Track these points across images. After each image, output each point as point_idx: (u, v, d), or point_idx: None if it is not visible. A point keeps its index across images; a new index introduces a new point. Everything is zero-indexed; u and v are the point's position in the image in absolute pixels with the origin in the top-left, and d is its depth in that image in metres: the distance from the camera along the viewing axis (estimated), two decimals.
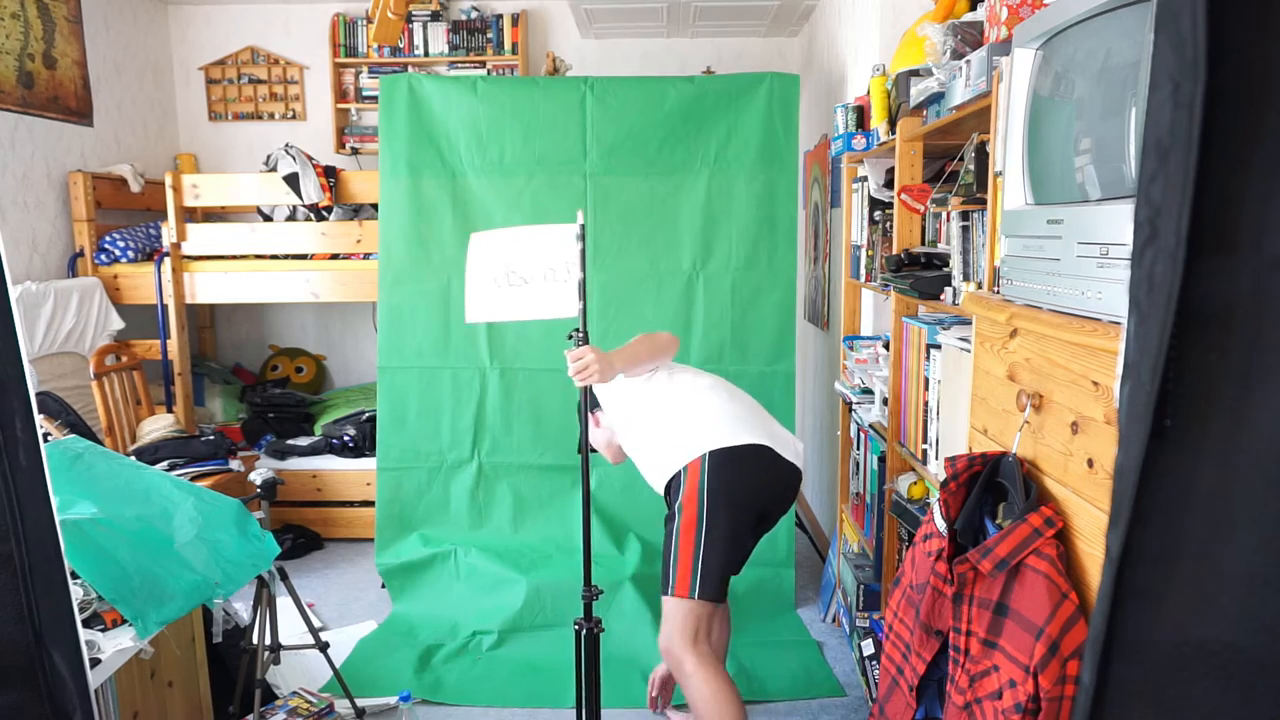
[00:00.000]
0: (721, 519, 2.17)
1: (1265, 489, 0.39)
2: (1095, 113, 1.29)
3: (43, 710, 0.63)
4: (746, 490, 2.22)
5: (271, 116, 5.16)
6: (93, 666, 1.69)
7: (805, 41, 4.95)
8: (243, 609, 2.77)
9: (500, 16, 5.02)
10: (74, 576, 1.77)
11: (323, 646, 2.55)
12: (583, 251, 2.23)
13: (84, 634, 1.34)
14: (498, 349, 3.60)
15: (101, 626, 1.81)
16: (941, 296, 2.24)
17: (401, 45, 5.04)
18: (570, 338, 2.23)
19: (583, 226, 2.22)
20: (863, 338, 3.19)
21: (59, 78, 4.04)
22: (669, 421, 2.31)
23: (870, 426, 2.90)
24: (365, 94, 5.11)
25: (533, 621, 3.21)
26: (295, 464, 4.22)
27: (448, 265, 3.58)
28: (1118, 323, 1.19)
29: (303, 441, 4.35)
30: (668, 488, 2.31)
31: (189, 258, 4.12)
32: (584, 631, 2.27)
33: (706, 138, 3.54)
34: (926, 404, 2.32)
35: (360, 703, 2.68)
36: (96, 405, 3.63)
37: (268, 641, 2.44)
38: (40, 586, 0.62)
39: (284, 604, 2.61)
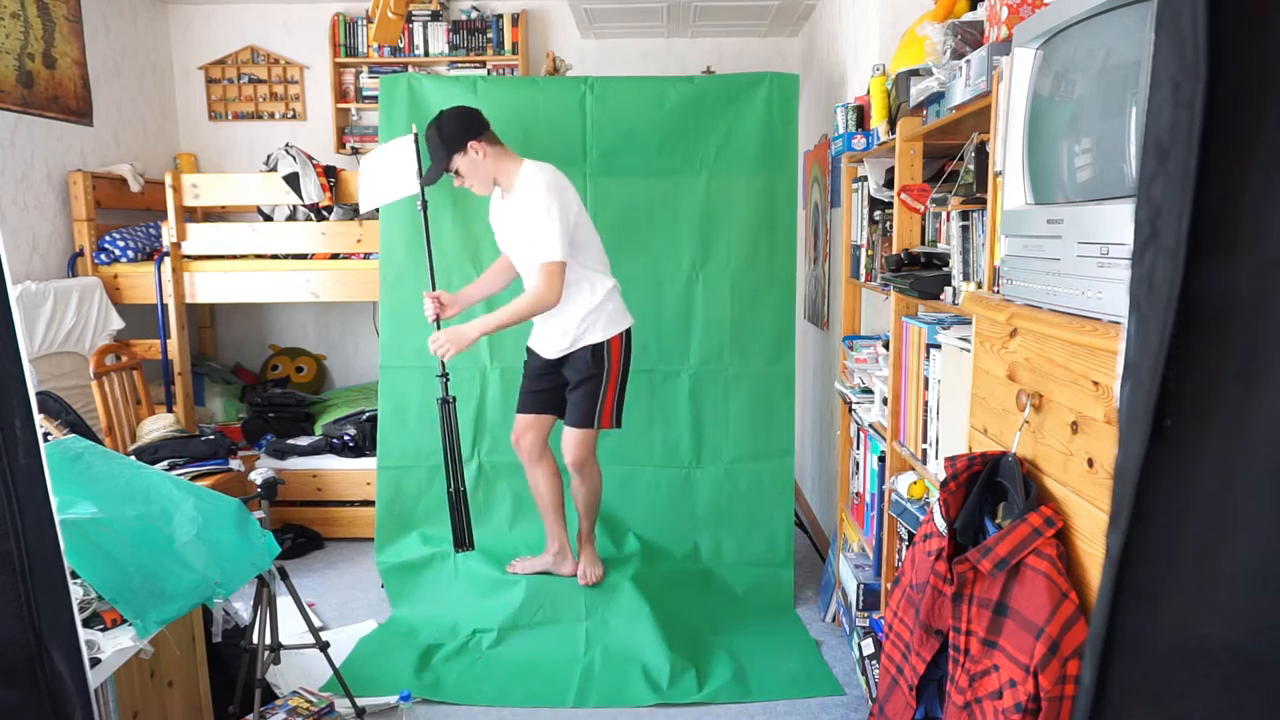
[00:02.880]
0: (626, 373, 3.10)
1: (1265, 489, 0.39)
2: (1095, 113, 1.29)
3: (43, 710, 0.63)
4: None
5: (271, 116, 5.16)
6: (93, 666, 1.69)
7: (805, 41, 4.95)
8: (243, 609, 2.77)
9: (500, 16, 5.02)
10: (74, 576, 1.77)
11: (323, 646, 2.55)
12: (418, 154, 3.10)
13: (84, 634, 1.34)
14: (498, 349, 3.60)
15: (101, 626, 1.80)
16: (941, 296, 2.24)
17: (401, 45, 5.04)
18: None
19: (416, 136, 3.09)
20: (862, 337, 3.19)
21: (59, 77, 4.04)
22: (595, 305, 3.01)
23: (870, 426, 2.90)
24: (365, 94, 5.11)
25: (532, 620, 3.21)
26: (295, 464, 4.22)
27: (448, 265, 3.58)
28: (1118, 322, 1.19)
29: (303, 441, 4.34)
30: (573, 354, 3.03)
31: (189, 257, 4.12)
32: (448, 405, 3.12)
33: (706, 138, 3.54)
34: (926, 404, 2.32)
35: (360, 702, 2.68)
36: (96, 405, 3.63)
37: (268, 641, 2.44)
38: (40, 586, 0.62)
39: (284, 603, 2.61)
